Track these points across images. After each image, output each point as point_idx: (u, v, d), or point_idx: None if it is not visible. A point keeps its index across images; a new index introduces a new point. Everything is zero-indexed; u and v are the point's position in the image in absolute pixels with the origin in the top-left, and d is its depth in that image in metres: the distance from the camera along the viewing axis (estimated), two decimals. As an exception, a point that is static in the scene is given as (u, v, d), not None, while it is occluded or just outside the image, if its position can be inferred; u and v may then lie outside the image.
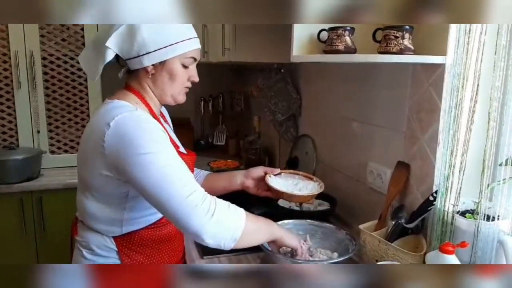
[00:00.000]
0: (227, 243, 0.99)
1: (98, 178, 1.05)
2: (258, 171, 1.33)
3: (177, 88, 1.14)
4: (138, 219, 1.12)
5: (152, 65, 1.08)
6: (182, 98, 1.18)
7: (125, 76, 1.15)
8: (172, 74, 1.11)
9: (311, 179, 1.38)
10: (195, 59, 1.14)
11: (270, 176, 1.30)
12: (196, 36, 1.14)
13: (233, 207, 1.03)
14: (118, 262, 1.12)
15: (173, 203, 0.96)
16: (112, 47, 1.05)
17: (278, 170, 1.34)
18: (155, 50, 1.06)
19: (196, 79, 1.17)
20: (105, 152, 1.00)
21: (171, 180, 0.97)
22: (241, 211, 1.04)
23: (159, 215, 1.13)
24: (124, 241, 1.12)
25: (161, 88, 1.13)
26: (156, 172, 0.97)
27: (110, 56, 1.06)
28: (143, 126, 1.01)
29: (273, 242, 1.14)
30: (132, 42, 1.05)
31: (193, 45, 1.12)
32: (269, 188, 1.28)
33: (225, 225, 0.98)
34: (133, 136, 0.98)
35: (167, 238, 1.19)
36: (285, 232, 1.15)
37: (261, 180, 1.32)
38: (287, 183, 1.32)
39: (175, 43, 1.08)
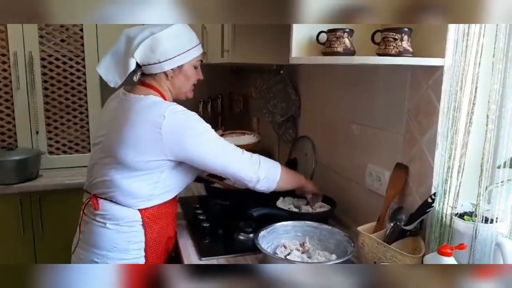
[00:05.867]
0: (271, 186, 1.37)
1: (146, 162, 1.24)
2: None
3: (189, 86, 1.39)
4: (161, 194, 1.33)
5: (171, 69, 1.31)
6: (191, 94, 1.43)
7: (139, 77, 1.34)
8: (187, 76, 1.36)
9: (244, 134, 1.76)
10: (202, 61, 1.40)
11: None
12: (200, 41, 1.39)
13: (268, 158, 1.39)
14: (141, 230, 1.32)
15: (236, 163, 1.30)
16: (137, 58, 1.25)
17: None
18: (174, 57, 1.29)
19: (202, 77, 1.42)
20: (162, 139, 1.21)
21: (227, 148, 1.30)
22: (275, 162, 1.41)
23: (174, 193, 1.39)
24: (148, 213, 1.32)
25: (178, 88, 1.36)
26: (215, 145, 1.28)
27: (133, 65, 1.26)
28: (189, 113, 1.26)
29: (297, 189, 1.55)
30: (154, 51, 1.26)
31: (201, 49, 1.38)
32: None
33: (270, 170, 1.36)
34: (186, 122, 1.24)
35: (171, 213, 1.42)
36: (306, 182, 1.54)
37: None
38: None
39: (190, 49, 1.32)
